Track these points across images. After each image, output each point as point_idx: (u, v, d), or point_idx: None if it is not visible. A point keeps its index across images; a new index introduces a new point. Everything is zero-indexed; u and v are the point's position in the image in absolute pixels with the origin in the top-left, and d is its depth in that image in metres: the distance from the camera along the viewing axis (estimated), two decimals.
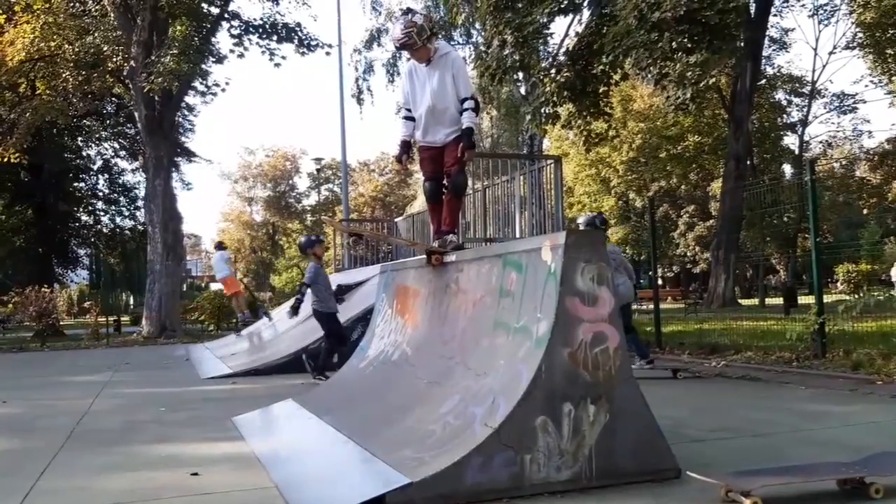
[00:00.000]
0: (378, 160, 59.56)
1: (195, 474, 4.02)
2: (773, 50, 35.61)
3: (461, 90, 5.09)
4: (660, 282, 24.10)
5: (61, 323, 23.82)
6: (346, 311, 10.86)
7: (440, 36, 5.16)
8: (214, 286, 45.98)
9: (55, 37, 20.60)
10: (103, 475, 4.13)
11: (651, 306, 12.80)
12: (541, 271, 3.75)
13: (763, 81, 33.39)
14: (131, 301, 33.00)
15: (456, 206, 5.47)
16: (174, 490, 3.72)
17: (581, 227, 8.39)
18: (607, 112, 16.85)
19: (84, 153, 33.19)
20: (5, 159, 21.58)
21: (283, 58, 27.01)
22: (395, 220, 19.63)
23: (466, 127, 5.02)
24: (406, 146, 5.48)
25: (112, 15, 20.04)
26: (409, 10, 5.06)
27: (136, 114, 21.58)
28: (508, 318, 3.95)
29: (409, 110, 5.41)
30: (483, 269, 4.48)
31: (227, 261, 17.02)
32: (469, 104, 5.05)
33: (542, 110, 16.00)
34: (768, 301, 26.31)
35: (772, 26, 31.71)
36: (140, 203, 31.04)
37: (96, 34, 20.31)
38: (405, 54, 5.39)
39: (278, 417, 5.68)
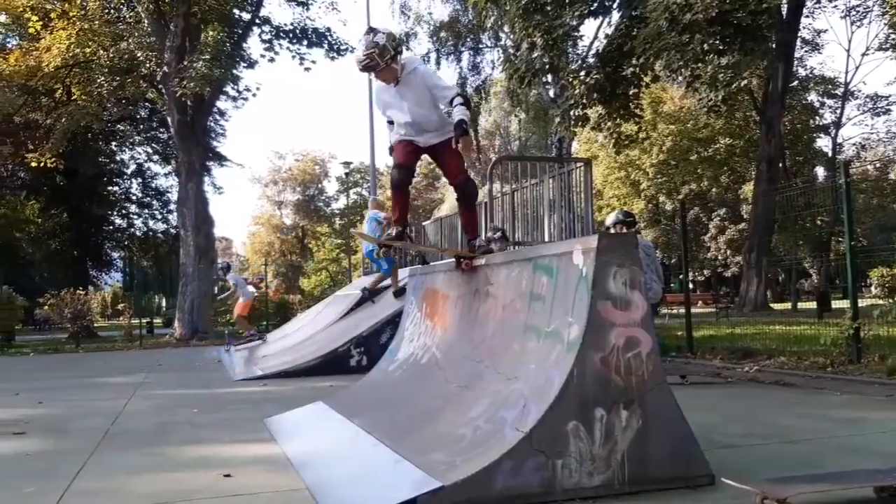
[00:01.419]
0: None
1: (228, 476, 4.06)
2: (805, 51, 35.15)
3: (443, 96, 4.86)
4: (690, 286, 23.83)
5: (95, 325, 24.23)
6: (376, 314, 10.93)
7: (403, 52, 4.89)
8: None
9: (90, 43, 21.01)
10: (137, 476, 4.18)
11: (681, 310, 12.68)
12: (572, 275, 3.73)
13: (795, 83, 32.98)
14: (164, 303, 33.42)
15: (473, 214, 5.38)
16: (207, 492, 3.76)
17: (610, 225, 8.31)
18: (637, 114, 16.75)
19: (118, 157, 33.76)
20: (42, 164, 22.00)
21: (313, 62, 27.38)
22: (423, 223, 19.65)
23: (458, 119, 4.69)
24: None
25: (146, 21, 20.37)
26: (371, 30, 4.80)
27: (168, 118, 21.89)
28: (539, 322, 3.94)
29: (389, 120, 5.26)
30: (513, 273, 4.47)
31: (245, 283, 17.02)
32: (458, 101, 4.76)
33: (572, 113, 15.95)
34: (801, 305, 25.94)
35: (804, 27, 31.31)
36: (172, 207, 31.50)
37: (130, 40, 20.68)
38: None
39: (309, 419, 5.70)
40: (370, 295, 12.19)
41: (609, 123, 16.42)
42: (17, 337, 20.77)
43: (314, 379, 8.98)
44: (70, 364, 13.43)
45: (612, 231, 7.92)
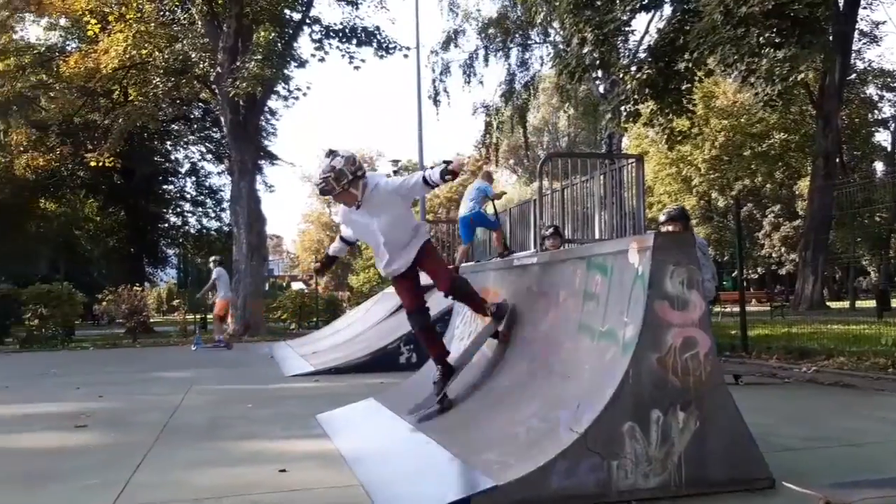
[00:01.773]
0: None
1: (283, 471, 4.11)
2: (864, 43, 34.17)
3: (412, 184, 4.67)
4: (744, 284, 23.39)
5: (151, 320, 24.79)
6: None
7: (364, 175, 4.65)
8: (296, 285, 47.06)
9: (146, 45, 21.51)
10: (196, 470, 4.27)
11: (735, 309, 12.43)
12: (627, 274, 3.69)
13: (853, 76, 32.08)
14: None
15: (474, 299, 5.18)
16: (263, 486, 3.81)
17: (663, 223, 8.16)
18: (690, 109, 16.45)
19: (172, 157, 34.49)
20: (100, 163, 22.60)
21: (363, 61, 27.55)
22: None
23: (441, 165, 4.55)
24: (330, 261, 5.50)
25: (199, 23, 20.75)
26: (330, 153, 4.65)
27: (221, 118, 22.29)
28: (593, 321, 3.90)
29: (343, 236, 5.26)
30: (566, 272, 4.43)
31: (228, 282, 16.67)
32: (428, 172, 4.58)
33: (623, 108, 15.75)
34: (859, 304, 25.22)
35: (861, 19, 30.44)
36: (225, 205, 32.05)
37: (185, 41, 21.10)
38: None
39: (360, 416, 5.75)
40: (506, 253, 11.73)
41: (661, 119, 16.16)
42: (76, 331, 21.37)
43: (365, 375, 9.05)
44: (127, 359, 13.77)
45: (666, 229, 7.79)
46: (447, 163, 4.54)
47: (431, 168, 4.61)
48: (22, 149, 27.88)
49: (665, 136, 16.87)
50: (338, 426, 5.49)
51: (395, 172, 49.21)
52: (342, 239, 5.29)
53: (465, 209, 10.61)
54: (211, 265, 17.03)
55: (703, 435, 3.43)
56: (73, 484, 4.01)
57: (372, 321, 13.40)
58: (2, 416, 6.80)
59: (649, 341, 3.45)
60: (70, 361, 13.31)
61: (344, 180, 4.56)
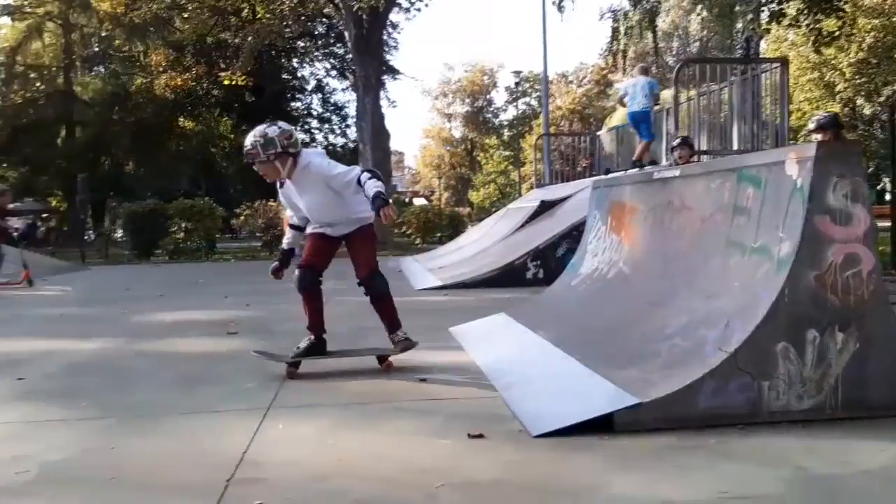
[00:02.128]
0: (577, 71, 57.92)
1: (423, 380, 4.25)
2: None
3: (345, 182, 4.39)
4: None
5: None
6: (552, 227, 10.86)
7: (298, 151, 4.44)
8: (417, 201, 47.73)
9: None
10: (341, 377, 4.48)
11: (886, 223, 11.59)
12: (784, 187, 3.46)
13: None
14: None
15: (389, 307, 4.75)
16: (407, 394, 3.96)
17: (814, 128, 7.61)
18: (841, 7, 15.09)
19: (299, 74, 35.24)
20: (233, 82, 23.38)
21: None
22: (597, 133, 19.08)
23: (374, 193, 4.17)
24: (287, 256, 4.93)
25: None
26: (270, 123, 4.50)
27: (345, 33, 22.42)
28: (744, 237, 3.72)
29: (291, 224, 4.93)
30: (713, 185, 4.22)
31: None
32: (365, 177, 4.28)
33: (765, 9, 14.64)
34: None
35: None
36: (350, 121, 32.61)
37: None
38: None
39: (493, 329, 5.82)
40: (637, 165, 11.63)
41: (808, 19, 14.93)
42: (217, 244, 22.66)
43: (491, 290, 9.13)
44: (265, 270, 14.47)
45: (816, 138, 7.27)
46: (384, 201, 4.15)
47: (370, 180, 4.24)
48: (161, 69, 29.20)
49: (812, 38, 15.61)
50: (472, 339, 5.58)
51: (516, 85, 48.33)
52: (292, 227, 4.93)
53: (635, 105, 10.13)
54: None
55: (864, 357, 3.25)
56: (232, 386, 4.30)
57: (497, 236, 13.44)
58: (162, 321, 7.36)
59: (807, 258, 3.26)
60: (214, 272, 14.17)
61: (272, 150, 4.33)
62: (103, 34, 31.73)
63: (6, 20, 33.79)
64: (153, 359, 5.35)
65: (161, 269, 15.55)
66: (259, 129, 4.42)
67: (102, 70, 35.56)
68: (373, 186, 4.20)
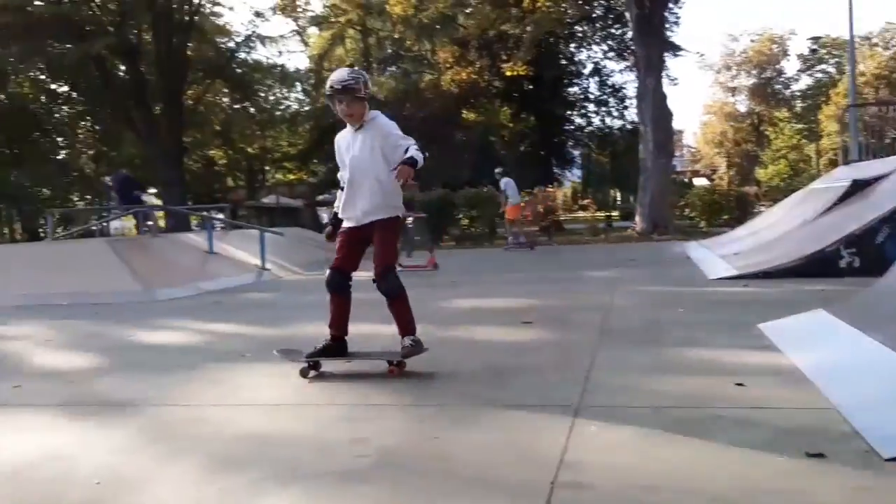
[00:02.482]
0: (882, 32, 51.17)
1: (740, 384, 3.89)
2: None
3: (398, 144, 4.37)
4: None
5: (561, 219, 26.13)
6: (867, 210, 9.66)
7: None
8: (698, 181, 45.51)
9: None
10: (645, 375, 4.26)
11: None
12: None
13: None
14: (618, 197, 34.43)
15: (402, 308, 4.48)
16: (723, 400, 3.65)
17: None
18: None
19: (576, 59, 35.15)
20: (514, 73, 23.94)
21: None
22: None
23: (411, 154, 4.24)
24: (339, 220, 4.69)
25: None
26: (351, 68, 4.65)
27: (627, 13, 21.86)
28: None
29: (343, 187, 4.70)
30: None
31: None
32: (413, 147, 4.30)
33: None
34: None
35: None
36: (627, 103, 31.92)
37: None
38: None
39: (812, 328, 5.25)
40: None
41: None
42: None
43: (798, 281, 8.31)
44: (548, 256, 14.67)
45: None
46: (413, 163, 4.21)
47: (417, 151, 4.30)
48: (447, 65, 30.78)
49: None
50: (787, 338, 5.09)
51: (813, 52, 43.99)
52: (342, 189, 4.71)
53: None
54: (497, 176, 17.94)
55: None
56: (537, 378, 4.30)
57: (799, 220, 12.26)
58: (462, 308, 7.70)
59: None
60: (499, 259, 14.62)
61: (368, 91, 4.43)
62: (396, 36, 34.17)
63: (314, 30, 37.78)
64: (457, 347, 5.50)
65: (451, 255, 16.33)
66: (352, 69, 4.63)
67: (395, 69, 38.37)
68: (414, 151, 4.29)
